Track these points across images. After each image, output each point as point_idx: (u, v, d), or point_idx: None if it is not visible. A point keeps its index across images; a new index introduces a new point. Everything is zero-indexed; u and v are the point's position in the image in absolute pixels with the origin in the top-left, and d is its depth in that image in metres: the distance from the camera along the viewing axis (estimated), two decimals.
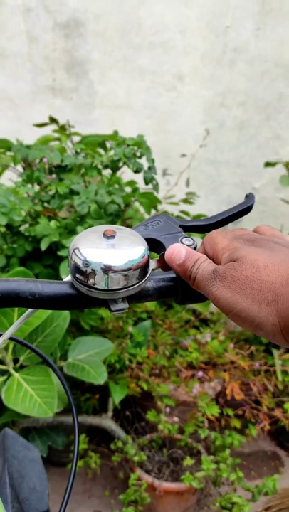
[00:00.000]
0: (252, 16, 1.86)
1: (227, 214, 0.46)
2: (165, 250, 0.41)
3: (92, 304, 0.39)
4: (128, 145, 1.14)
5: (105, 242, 0.38)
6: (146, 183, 1.19)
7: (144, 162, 1.24)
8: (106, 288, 0.37)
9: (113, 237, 0.38)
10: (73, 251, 0.38)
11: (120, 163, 1.16)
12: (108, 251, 0.38)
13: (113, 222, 1.11)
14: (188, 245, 0.42)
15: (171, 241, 0.42)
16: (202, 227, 0.46)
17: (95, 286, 0.37)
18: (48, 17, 1.88)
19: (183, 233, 0.44)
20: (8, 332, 0.44)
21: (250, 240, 0.38)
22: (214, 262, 0.39)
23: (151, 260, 0.41)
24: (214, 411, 1.30)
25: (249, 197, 0.48)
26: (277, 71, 1.94)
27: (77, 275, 0.37)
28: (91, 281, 0.37)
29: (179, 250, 0.40)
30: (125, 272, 0.37)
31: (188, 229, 0.46)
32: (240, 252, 0.36)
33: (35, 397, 0.98)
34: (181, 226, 0.44)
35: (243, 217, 0.48)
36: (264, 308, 0.32)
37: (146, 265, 0.39)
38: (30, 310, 0.42)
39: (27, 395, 0.98)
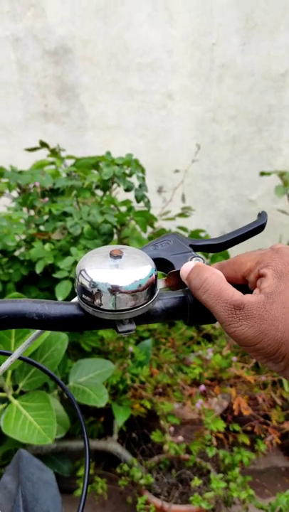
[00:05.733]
0: (236, 31, 1.89)
1: (239, 233, 0.45)
2: (174, 270, 0.41)
3: (99, 325, 0.38)
4: (118, 165, 1.15)
5: (112, 263, 0.37)
6: (138, 201, 1.19)
7: (135, 180, 1.25)
8: (113, 309, 0.36)
9: (120, 257, 0.38)
10: (80, 272, 0.37)
11: (111, 183, 1.16)
12: (115, 271, 0.37)
13: (107, 242, 1.11)
14: None
15: (180, 261, 0.41)
16: (213, 247, 0.45)
17: (102, 306, 0.36)
18: (36, 45, 1.92)
19: (193, 253, 0.43)
20: (17, 353, 0.44)
21: (280, 271, 0.36)
22: (236, 278, 0.39)
23: (159, 280, 0.40)
24: (219, 426, 1.28)
25: (262, 215, 0.46)
26: (265, 83, 1.96)
27: (84, 296, 0.37)
28: (98, 301, 0.36)
29: (188, 264, 0.40)
30: (132, 293, 0.36)
31: (199, 248, 0.45)
32: (275, 286, 0.35)
33: (34, 424, 0.96)
34: (191, 246, 0.43)
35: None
36: (283, 349, 0.33)
37: (154, 285, 0.38)
38: (37, 331, 0.42)
39: (26, 422, 0.96)
